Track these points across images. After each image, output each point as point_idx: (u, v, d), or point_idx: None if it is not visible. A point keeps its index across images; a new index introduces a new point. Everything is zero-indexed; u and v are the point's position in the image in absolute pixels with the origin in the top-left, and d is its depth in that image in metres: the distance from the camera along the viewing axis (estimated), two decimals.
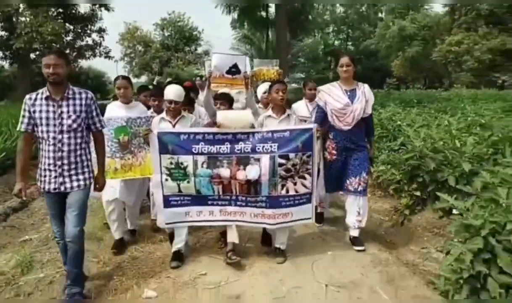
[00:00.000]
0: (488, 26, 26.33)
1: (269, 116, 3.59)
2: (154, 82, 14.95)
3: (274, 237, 3.57)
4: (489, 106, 8.00)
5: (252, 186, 3.27)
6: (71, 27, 16.18)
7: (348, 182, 3.78)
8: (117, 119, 3.62)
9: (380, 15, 37.83)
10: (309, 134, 3.29)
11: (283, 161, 3.25)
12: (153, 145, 3.29)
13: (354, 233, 3.81)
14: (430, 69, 31.20)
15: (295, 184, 3.31)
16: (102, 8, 17.03)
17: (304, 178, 3.33)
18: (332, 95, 3.72)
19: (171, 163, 3.26)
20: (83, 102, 2.84)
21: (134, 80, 30.67)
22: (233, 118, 3.35)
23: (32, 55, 15.77)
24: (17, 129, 2.83)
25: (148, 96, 4.39)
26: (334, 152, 3.78)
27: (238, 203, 3.34)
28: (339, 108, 3.64)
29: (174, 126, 3.49)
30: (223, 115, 3.37)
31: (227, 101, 3.75)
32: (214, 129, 3.32)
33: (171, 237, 3.64)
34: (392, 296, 2.85)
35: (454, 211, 3.06)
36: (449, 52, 26.56)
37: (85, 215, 2.93)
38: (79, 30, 17.00)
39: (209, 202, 3.35)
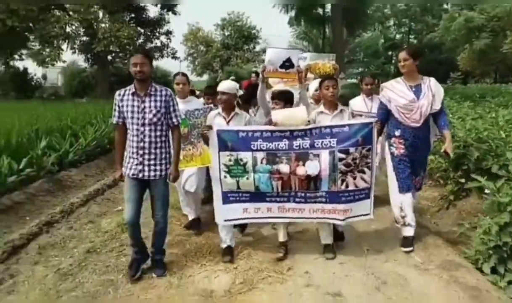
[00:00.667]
0: None
1: (322, 112, 3.57)
2: (218, 80, 15.99)
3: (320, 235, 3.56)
4: None
5: (312, 182, 3.28)
6: (142, 30, 17.72)
7: (414, 180, 3.76)
8: None
9: (445, 6, 36.08)
10: (369, 128, 3.27)
11: (343, 156, 3.24)
12: (212, 142, 3.33)
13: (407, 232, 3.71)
14: (501, 62, 29.28)
15: (354, 178, 3.30)
16: (169, 12, 18.52)
17: (364, 172, 3.31)
18: (395, 91, 3.61)
19: (230, 160, 3.29)
20: (163, 98, 3.08)
21: (196, 79, 32.44)
22: (287, 116, 3.34)
23: (109, 57, 17.33)
24: (110, 122, 3.39)
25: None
26: (401, 146, 3.64)
27: (297, 199, 3.33)
28: (404, 104, 3.53)
29: (228, 122, 3.54)
30: (277, 114, 3.38)
31: (282, 100, 3.67)
32: (271, 127, 3.32)
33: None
34: (425, 260, 3.31)
35: (486, 191, 3.42)
36: None
37: (168, 201, 3.27)
38: (149, 33, 18.61)
39: (267, 199, 3.35)
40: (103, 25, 14.54)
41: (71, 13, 14.61)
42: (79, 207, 5.07)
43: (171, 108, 3.14)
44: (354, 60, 37.11)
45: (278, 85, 5.01)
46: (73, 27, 14.90)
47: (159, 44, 19.11)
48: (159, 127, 3.08)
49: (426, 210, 5.02)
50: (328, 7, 18.66)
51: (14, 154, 5.81)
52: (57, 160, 6.51)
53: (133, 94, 3.05)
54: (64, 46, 14.91)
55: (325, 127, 3.30)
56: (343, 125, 3.30)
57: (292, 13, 20.72)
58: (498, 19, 28.34)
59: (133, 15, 16.90)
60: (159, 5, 17.85)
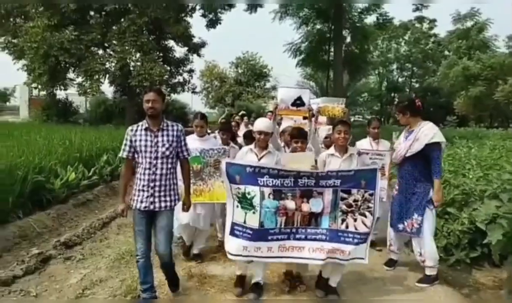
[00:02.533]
0: None
1: (332, 155, 3.66)
2: (226, 114, 17.98)
3: (329, 277, 3.59)
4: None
5: (313, 218, 3.36)
6: (168, 68, 20.19)
7: (405, 223, 3.89)
8: (192, 150, 3.73)
9: (446, 53, 38.47)
10: (373, 174, 3.38)
11: (345, 195, 3.35)
12: (223, 174, 3.38)
13: (426, 271, 3.85)
14: (495, 108, 31.27)
15: (355, 220, 3.37)
16: (194, 54, 21.35)
17: (365, 216, 3.37)
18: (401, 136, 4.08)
19: (238, 193, 3.33)
20: (175, 133, 3.24)
21: (206, 110, 34.82)
22: (296, 160, 3.53)
23: (137, 90, 19.63)
24: (119, 155, 3.30)
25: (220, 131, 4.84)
26: (396, 187, 4.05)
27: (298, 236, 3.36)
28: (395, 146, 4.08)
29: (260, 159, 3.57)
30: (286, 160, 3.56)
31: (303, 137, 3.74)
32: (279, 167, 3.38)
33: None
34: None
35: None
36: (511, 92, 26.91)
37: (172, 232, 3.36)
38: (173, 71, 21.09)
39: (269, 237, 3.32)
40: (138, 63, 17.07)
41: (111, 52, 17.35)
42: None
43: (182, 143, 3.31)
44: (357, 101, 39.34)
45: (285, 121, 5.06)
46: (112, 64, 17.47)
47: (181, 80, 21.70)
48: (170, 160, 3.23)
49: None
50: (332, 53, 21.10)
51: (85, 164, 7.85)
52: (111, 172, 8.54)
53: (146, 129, 3.19)
54: (102, 80, 17.33)
55: (332, 171, 3.40)
56: (349, 170, 3.41)
57: (300, 57, 23.25)
58: (492, 68, 30.53)
59: (161, 54, 19.47)
60: (185, 47, 20.78)
